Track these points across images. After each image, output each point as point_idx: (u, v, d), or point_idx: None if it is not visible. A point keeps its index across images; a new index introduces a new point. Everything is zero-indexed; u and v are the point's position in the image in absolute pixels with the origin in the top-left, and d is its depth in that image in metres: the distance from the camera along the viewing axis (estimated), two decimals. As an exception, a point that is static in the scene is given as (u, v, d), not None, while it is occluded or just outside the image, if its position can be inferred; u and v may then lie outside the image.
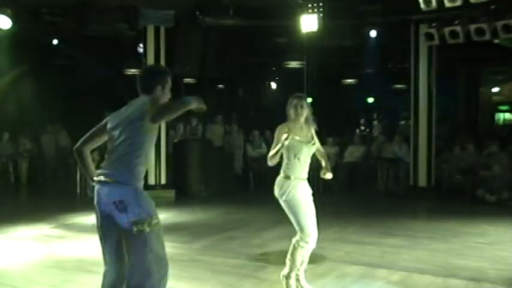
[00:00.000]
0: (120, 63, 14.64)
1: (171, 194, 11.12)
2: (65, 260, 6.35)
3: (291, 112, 4.88)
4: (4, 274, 5.80)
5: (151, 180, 11.16)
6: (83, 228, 8.14)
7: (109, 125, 3.56)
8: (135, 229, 3.31)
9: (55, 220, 8.72)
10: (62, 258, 6.45)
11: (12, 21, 9.58)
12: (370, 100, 22.36)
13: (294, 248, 4.77)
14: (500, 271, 5.84)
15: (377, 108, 20.52)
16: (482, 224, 8.43)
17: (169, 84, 3.66)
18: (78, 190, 11.90)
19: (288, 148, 4.76)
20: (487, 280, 5.48)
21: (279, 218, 4.77)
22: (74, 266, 6.04)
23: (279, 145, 4.66)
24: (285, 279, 4.86)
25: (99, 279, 5.20)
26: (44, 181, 13.92)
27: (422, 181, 11.26)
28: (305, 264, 5.03)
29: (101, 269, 5.86)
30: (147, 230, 3.32)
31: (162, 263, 3.39)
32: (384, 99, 20.90)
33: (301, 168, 4.83)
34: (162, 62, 11.20)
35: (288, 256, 4.83)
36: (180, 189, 11.14)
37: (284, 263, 4.91)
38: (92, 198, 3.57)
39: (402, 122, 16.58)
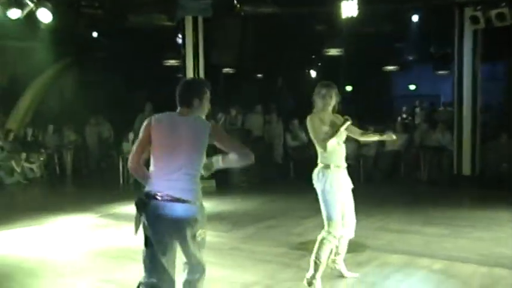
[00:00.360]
0: (159, 55, 14.77)
1: (212, 184, 11.19)
2: (110, 248, 6.49)
3: (319, 102, 4.77)
4: (51, 262, 5.95)
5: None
6: (126, 218, 8.26)
7: (162, 133, 3.55)
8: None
9: (100, 210, 8.90)
10: (107, 246, 6.59)
11: (53, 15, 9.76)
12: (412, 87, 21.98)
13: (321, 244, 4.64)
14: (548, 260, 5.68)
15: (419, 95, 20.15)
16: (529, 212, 8.20)
17: (207, 96, 3.65)
18: (121, 180, 12.12)
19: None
20: (534, 269, 5.34)
21: (318, 206, 4.74)
22: (118, 255, 6.15)
23: (337, 132, 4.63)
24: (307, 284, 4.68)
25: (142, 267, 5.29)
26: (88, 172, 14.21)
27: (466, 169, 11.01)
28: (343, 255, 4.98)
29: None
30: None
31: None
32: (427, 85, 20.51)
33: (337, 155, 4.75)
34: (201, 53, 11.24)
35: (313, 256, 4.67)
36: (221, 179, 11.18)
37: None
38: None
39: (441, 109, 16.25)
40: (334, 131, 4.65)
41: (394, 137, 5.06)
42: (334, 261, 5.03)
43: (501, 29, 10.21)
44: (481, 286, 4.91)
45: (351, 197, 4.83)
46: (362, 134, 5.10)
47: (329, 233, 4.63)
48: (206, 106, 3.66)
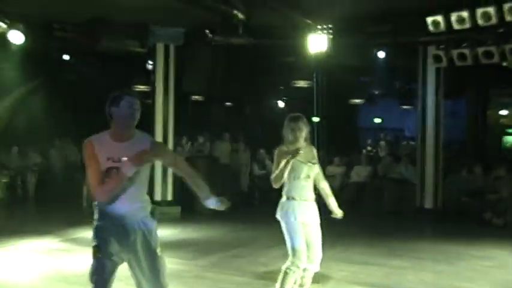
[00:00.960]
0: (129, 80, 14.77)
1: (177, 210, 11.15)
2: (71, 274, 6.38)
3: (289, 136, 4.75)
4: (11, 286, 5.84)
5: (158, 197, 11.21)
6: (89, 243, 8.17)
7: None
8: None
9: (62, 234, 8.77)
10: (68, 272, 6.48)
11: (25, 37, 9.72)
12: (378, 120, 22.41)
13: (285, 275, 4.62)
14: (505, 295, 5.83)
15: (384, 128, 20.56)
16: (489, 247, 8.38)
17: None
18: (84, 204, 11.95)
19: (289, 169, 4.65)
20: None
21: (283, 236, 4.78)
22: (80, 281, 6.03)
23: (286, 166, 4.57)
24: None
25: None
26: (51, 195, 13.97)
27: (428, 202, 11.22)
28: (307, 287, 4.99)
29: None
30: None
31: None
32: (391, 119, 20.94)
33: (303, 189, 4.74)
34: (171, 80, 11.32)
35: (277, 286, 4.66)
36: (186, 205, 11.15)
37: None
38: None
39: (404, 143, 16.61)
40: (282, 166, 4.60)
41: (339, 215, 5.06)
42: None
43: (463, 68, 10.59)
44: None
45: (317, 231, 4.82)
46: (322, 189, 5.03)
47: (293, 263, 4.62)
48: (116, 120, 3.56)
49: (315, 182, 4.91)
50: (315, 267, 4.88)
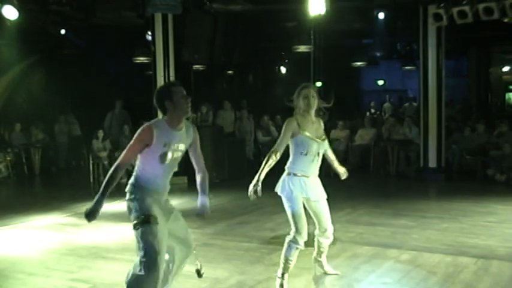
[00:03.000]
0: (129, 52, 14.70)
1: (184, 180, 11.22)
2: (80, 247, 6.47)
3: (301, 103, 4.54)
4: (21, 262, 5.93)
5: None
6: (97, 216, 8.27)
7: None
8: None
9: (69, 209, 8.84)
10: (77, 245, 6.57)
11: (19, 12, 9.64)
12: (380, 82, 22.30)
13: (288, 247, 4.61)
14: (509, 249, 5.92)
15: (387, 90, 20.47)
16: (492, 203, 8.47)
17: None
18: (91, 179, 12.05)
19: (297, 143, 4.55)
20: (496, 257, 5.56)
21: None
22: (88, 253, 6.15)
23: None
24: (278, 279, 4.69)
25: (113, 265, 5.34)
26: (57, 171, 14.07)
27: (432, 162, 11.25)
28: (325, 252, 5.02)
29: (115, 255, 6.02)
30: None
31: None
32: (394, 81, 20.84)
33: (310, 166, 4.60)
34: (171, 50, 11.25)
35: (282, 256, 4.66)
36: (193, 175, 11.21)
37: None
38: None
39: (406, 104, 16.56)
40: (282, 139, 4.53)
41: (344, 175, 4.99)
42: (316, 259, 5.08)
43: (464, 26, 10.49)
44: (445, 274, 5.07)
45: (324, 206, 4.74)
46: (328, 156, 4.88)
47: (295, 238, 4.58)
48: (178, 104, 3.84)
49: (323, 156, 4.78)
50: (328, 240, 4.89)
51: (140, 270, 3.66)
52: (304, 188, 4.61)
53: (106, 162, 12.02)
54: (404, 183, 11.06)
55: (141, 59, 13.84)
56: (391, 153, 12.15)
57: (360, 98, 21.50)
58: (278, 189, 4.74)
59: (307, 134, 4.55)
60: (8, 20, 9.85)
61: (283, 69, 19.24)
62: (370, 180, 11.59)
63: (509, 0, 9.15)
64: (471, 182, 10.64)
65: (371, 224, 7.32)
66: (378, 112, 17.95)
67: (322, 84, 19.50)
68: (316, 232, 4.84)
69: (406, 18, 12.56)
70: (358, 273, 5.21)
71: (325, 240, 4.90)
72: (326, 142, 4.75)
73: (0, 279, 5.35)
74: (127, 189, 3.99)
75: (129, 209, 3.92)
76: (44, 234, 7.23)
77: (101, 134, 12.36)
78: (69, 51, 14.62)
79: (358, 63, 18.30)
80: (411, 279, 4.99)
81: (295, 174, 4.61)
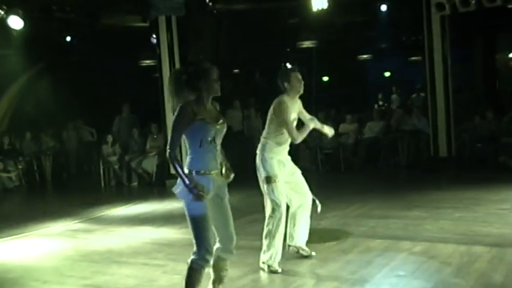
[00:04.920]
0: (135, 55, 14.74)
1: (194, 181, 11.25)
2: (93, 252, 6.50)
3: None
4: (36, 269, 5.96)
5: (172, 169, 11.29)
6: (109, 221, 8.32)
7: None
8: None
9: (81, 214, 8.89)
10: (90, 251, 6.60)
11: (24, 21, 9.70)
12: (387, 74, 22.21)
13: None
14: (523, 236, 5.86)
15: (394, 81, 20.37)
16: (505, 190, 8.38)
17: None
18: (102, 184, 12.11)
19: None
20: (510, 245, 5.50)
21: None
22: (102, 258, 6.17)
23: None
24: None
25: (127, 269, 5.35)
26: (68, 177, 14.14)
27: (443, 151, 11.18)
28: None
29: (128, 258, 6.04)
30: None
31: None
32: (401, 72, 20.74)
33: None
34: (176, 52, 11.27)
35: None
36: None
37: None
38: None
39: (414, 95, 16.49)
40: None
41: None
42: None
43: (468, 15, 10.43)
44: (459, 264, 5.04)
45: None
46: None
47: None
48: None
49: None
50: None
51: None
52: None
53: (116, 167, 12.09)
54: (415, 174, 11.00)
55: (147, 62, 13.88)
56: (400, 144, 12.07)
57: (368, 90, 21.42)
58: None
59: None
60: (14, 30, 9.92)
61: (289, 66, 19.19)
62: (381, 173, 11.55)
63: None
64: (483, 170, 10.56)
65: (383, 216, 7.28)
66: (386, 104, 17.87)
67: (329, 78, 19.50)
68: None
69: (409, 9, 12.49)
70: (372, 266, 5.18)
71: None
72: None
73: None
74: None
75: None
76: (57, 241, 7.27)
77: (110, 138, 12.42)
78: (75, 57, 14.69)
79: (364, 56, 18.26)
80: (425, 271, 4.96)
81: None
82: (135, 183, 11.96)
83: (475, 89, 17.17)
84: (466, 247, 5.53)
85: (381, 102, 18.08)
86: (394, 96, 18.06)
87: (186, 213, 3.76)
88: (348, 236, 6.26)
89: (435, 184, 9.73)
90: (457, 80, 11.97)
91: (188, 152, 3.86)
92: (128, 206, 9.56)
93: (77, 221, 8.43)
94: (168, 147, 3.70)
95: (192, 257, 3.74)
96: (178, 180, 3.73)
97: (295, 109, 5.09)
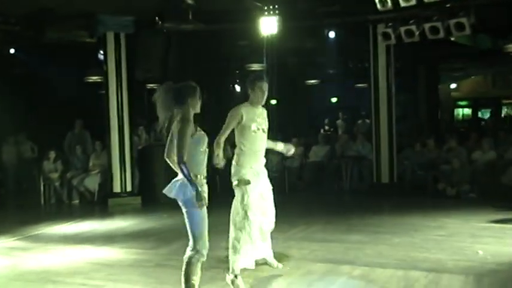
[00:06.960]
0: (81, 71, 14.49)
1: (137, 200, 11.10)
2: (29, 271, 6.29)
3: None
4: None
5: (117, 188, 11.12)
6: (47, 239, 8.07)
7: None
8: None
9: (18, 232, 8.58)
10: (26, 270, 6.38)
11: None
12: (334, 100, 22.64)
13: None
14: (458, 261, 6.04)
15: (341, 107, 20.80)
16: (442, 217, 8.65)
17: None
18: (42, 201, 11.76)
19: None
20: (446, 271, 5.67)
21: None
22: (38, 278, 5.98)
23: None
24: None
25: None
26: (6, 193, 13.66)
27: (385, 178, 11.45)
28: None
29: (65, 278, 5.87)
30: None
31: None
32: (347, 98, 21.19)
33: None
34: (123, 69, 11.17)
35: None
36: (146, 195, 11.09)
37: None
38: None
39: (359, 121, 16.88)
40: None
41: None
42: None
43: (414, 45, 10.80)
44: (397, 289, 5.15)
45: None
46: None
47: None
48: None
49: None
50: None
51: None
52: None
53: (57, 184, 11.78)
54: (358, 199, 11.21)
55: (94, 78, 13.66)
56: (344, 169, 12.30)
57: (314, 115, 21.76)
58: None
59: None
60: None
61: (237, 88, 19.31)
62: (324, 197, 11.69)
63: (453, 20, 9.47)
64: (422, 196, 10.87)
65: (325, 240, 7.37)
66: (332, 129, 18.20)
67: (277, 102, 19.68)
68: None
69: (357, 37, 12.83)
70: (312, 290, 5.23)
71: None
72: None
73: None
74: None
75: None
76: (-9, 258, 7.00)
77: (52, 154, 12.10)
78: (19, 70, 14.32)
79: (312, 81, 18.58)
80: (364, 295, 5.04)
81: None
82: (76, 201, 11.68)
83: (418, 117, 17.73)
84: (404, 272, 5.66)
85: (326, 127, 18.41)
86: (339, 122, 18.44)
87: (187, 212, 4.48)
88: (290, 259, 6.29)
89: (376, 209, 9.92)
90: (401, 108, 12.32)
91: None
92: (67, 224, 9.31)
93: (13, 239, 8.14)
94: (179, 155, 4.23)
95: (189, 253, 4.38)
96: (171, 183, 4.35)
97: (254, 119, 5.08)
